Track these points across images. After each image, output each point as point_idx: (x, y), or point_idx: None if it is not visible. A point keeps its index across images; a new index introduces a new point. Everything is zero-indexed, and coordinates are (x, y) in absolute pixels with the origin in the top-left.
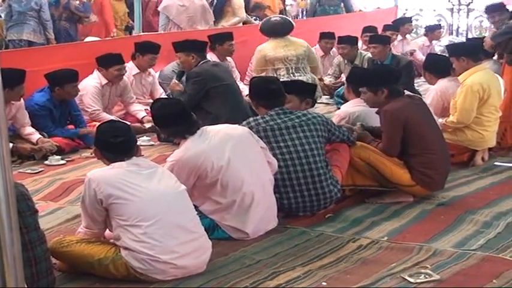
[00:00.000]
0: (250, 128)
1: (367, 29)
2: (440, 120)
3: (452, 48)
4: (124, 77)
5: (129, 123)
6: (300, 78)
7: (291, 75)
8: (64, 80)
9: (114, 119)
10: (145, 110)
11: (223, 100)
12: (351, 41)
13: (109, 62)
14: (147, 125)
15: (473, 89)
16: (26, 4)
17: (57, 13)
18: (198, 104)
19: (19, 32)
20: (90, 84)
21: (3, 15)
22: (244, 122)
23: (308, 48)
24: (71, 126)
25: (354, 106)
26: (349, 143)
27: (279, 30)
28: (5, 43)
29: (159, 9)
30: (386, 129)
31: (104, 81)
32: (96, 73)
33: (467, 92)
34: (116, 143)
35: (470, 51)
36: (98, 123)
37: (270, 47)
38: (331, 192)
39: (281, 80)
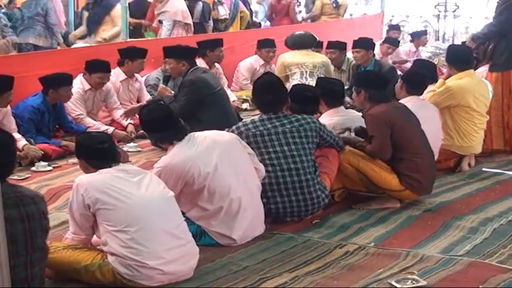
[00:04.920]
0: (240, 132)
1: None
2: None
3: (447, 51)
4: (108, 82)
5: (112, 128)
6: (312, 83)
7: (304, 79)
8: (58, 83)
9: (98, 124)
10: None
11: (215, 108)
12: (339, 46)
13: (95, 68)
14: (133, 135)
15: (450, 90)
16: (34, 9)
17: None
18: (192, 112)
19: (26, 36)
20: (73, 90)
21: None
22: (234, 127)
23: (327, 61)
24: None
25: (331, 118)
26: (338, 148)
27: (301, 42)
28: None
29: (158, 18)
30: (376, 132)
31: (87, 86)
32: (79, 78)
33: (444, 91)
34: (104, 149)
35: (453, 60)
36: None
37: (290, 55)
38: (318, 197)
39: (292, 84)
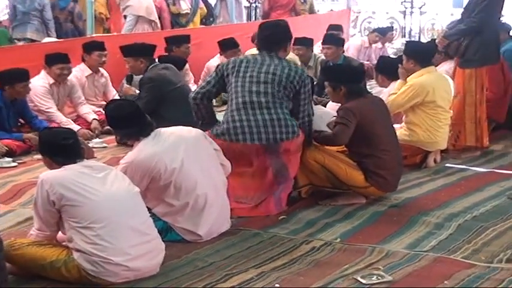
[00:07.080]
0: (234, 61)
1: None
2: None
3: (408, 47)
4: (72, 77)
5: (78, 127)
6: None
7: None
8: (14, 79)
9: (67, 122)
10: (98, 112)
11: (177, 104)
12: (306, 42)
13: (53, 60)
14: (96, 132)
15: (414, 88)
16: (30, 5)
17: (63, 16)
18: (155, 109)
19: (23, 31)
20: (39, 84)
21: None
22: (232, 59)
23: (294, 58)
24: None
25: None
26: (304, 128)
27: None
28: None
29: (123, 13)
30: (341, 120)
31: (51, 80)
32: (43, 73)
33: (407, 90)
34: (68, 145)
35: (419, 56)
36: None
37: (255, 51)
38: (287, 121)
39: None
